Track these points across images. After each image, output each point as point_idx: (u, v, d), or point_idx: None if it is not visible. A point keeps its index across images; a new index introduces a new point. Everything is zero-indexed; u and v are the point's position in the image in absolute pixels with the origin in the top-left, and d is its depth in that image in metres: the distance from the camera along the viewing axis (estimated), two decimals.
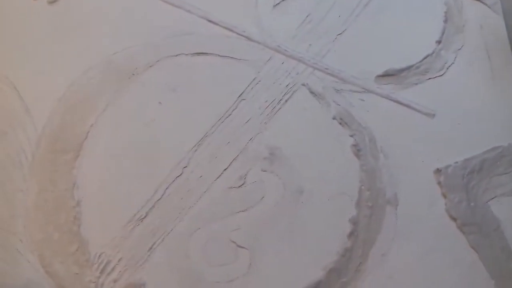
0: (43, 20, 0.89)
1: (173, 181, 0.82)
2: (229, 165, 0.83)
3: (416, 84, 0.90)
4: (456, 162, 0.86)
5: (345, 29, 0.92)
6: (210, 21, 0.90)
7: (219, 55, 0.89)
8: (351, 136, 0.85)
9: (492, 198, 0.84)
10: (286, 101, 0.87)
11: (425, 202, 0.83)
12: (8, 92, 0.86)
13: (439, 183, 0.84)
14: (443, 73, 0.92)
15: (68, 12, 0.90)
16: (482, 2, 0.97)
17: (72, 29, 0.89)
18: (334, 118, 0.86)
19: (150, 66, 0.88)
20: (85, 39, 0.88)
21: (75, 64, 0.87)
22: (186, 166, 0.82)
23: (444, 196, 0.84)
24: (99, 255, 0.78)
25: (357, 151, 0.84)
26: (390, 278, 0.79)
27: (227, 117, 0.85)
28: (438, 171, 0.85)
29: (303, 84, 0.88)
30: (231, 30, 0.91)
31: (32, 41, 0.88)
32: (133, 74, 0.87)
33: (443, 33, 0.93)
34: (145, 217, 0.80)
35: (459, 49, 0.93)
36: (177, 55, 0.88)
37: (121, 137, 0.83)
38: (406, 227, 0.82)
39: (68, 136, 0.83)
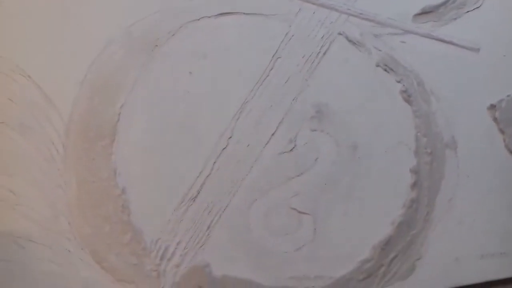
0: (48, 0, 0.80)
1: (220, 153, 0.77)
2: (276, 129, 0.78)
3: (455, 19, 0.85)
4: (509, 95, 0.82)
5: None
6: None
7: (244, 13, 0.82)
8: (398, 82, 0.81)
9: None
10: (324, 53, 0.81)
11: (483, 141, 0.80)
12: (23, 83, 0.78)
13: (494, 119, 0.81)
14: (480, 5, 0.87)
15: None
16: None
17: (81, 4, 0.80)
18: (377, 65, 0.81)
19: (173, 35, 0.80)
20: (97, 13, 0.80)
21: (91, 42, 0.79)
22: (231, 137, 0.77)
23: (502, 131, 0.81)
24: (156, 242, 0.74)
25: (407, 96, 0.80)
26: (460, 223, 0.77)
27: (264, 79, 0.79)
28: (492, 107, 0.81)
29: (339, 33, 0.82)
30: None
31: (40, 24, 0.79)
32: (156, 46, 0.79)
33: None
34: (197, 196, 0.75)
35: None
36: (199, 19, 0.81)
37: (156, 114, 0.77)
38: (469, 169, 0.79)
39: (100, 121, 0.76)
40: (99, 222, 0.74)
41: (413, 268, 0.76)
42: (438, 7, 0.85)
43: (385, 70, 0.81)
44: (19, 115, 0.76)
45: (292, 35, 0.81)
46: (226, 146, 0.77)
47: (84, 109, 0.77)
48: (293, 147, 0.77)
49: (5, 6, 0.79)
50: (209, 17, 0.82)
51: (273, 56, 0.80)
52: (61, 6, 0.79)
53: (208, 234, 0.74)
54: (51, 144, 0.76)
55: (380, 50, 0.82)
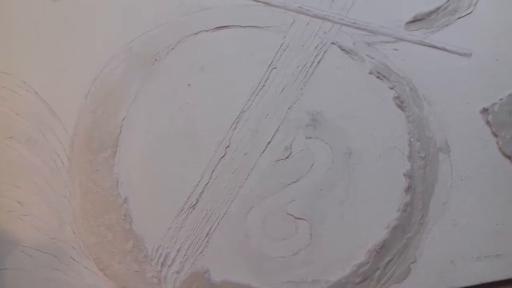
0: (52, 17, 0.84)
1: (218, 162, 0.79)
2: (272, 137, 0.80)
3: (447, 25, 0.87)
4: (501, 99, 0.83)
5: None
6: None
7: (240, 26, 0.85)
8: (391, 88, 0.82)
9: None
10: (318, 62, 0.83)
11: (477, 144, 0.81)
12: (29, 97, 0.81)
13: (487, 122, 0.82)
14: (472, 11, 0.88)
15: (76, 6, 0.85)
16: None
17: (84, 22, 0.84)
18: (370, 73, 0.83)
19: (172, 49, 0.83)
20: (99, 30, 0.83)
21: (94, 57, 0.82)
22: (228, 146, 0.79)
23: (495, 135, 0.81)
24: (157, 249, 0.76)
25: (400, 102, 0.81)
26: (455, 226, 0.78)
27: (260, 89, 0.82)
28: (484, 110, 0.82)
29: (332, 43, 0.84)
30: None
31: (44, 41, 0.83)
32: (156, 60, 0.82)
33: None
34: (196, 203, 0.78)
35: None
36: (197, 33, 0.84)
37: (157, 126, 0.80)
38: (462, 172, 0.80)
39: (102, 133, 0.80)
40: (103, 230, 0.77)
41: (408, 271, 0.77)
42: (429, 14, 0.87)
43: (378, 77, 0.82)
44: (26, 130, 0.80)
45: (287, 46, 0.84)
46: (224, 155, 0.79)
47: (88, 122, 0.80)
48: (289, 155, 0.79)
49: (12, 25, 0.83)
50: (206, 31, 0.84)
51: (268, 67, 0.83)
52: (65, 25, 0.83)
53: (207, 241, 0.77)
54: (56, 157, 0.79)
55: (373, 58, 0.83)
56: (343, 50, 0.84)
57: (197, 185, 0.78)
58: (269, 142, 0.80)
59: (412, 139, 0.80)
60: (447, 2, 0.88)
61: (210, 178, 0.78)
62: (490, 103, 0.82)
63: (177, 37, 0.84)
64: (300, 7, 0.85)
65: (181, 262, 0.76)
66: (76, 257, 0.76)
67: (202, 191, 0.78)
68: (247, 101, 0.81)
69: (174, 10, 0.85)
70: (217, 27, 0.84)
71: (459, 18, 0.87)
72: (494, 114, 0.82)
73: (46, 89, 0.81)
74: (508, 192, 0.79)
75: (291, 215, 0.77)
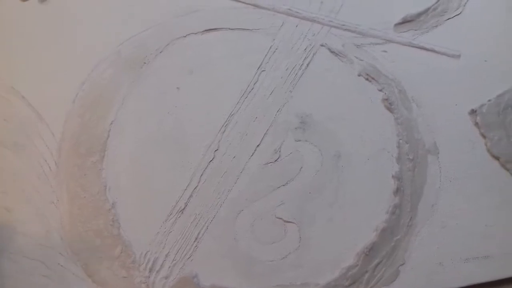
0: (39, 21, 0.83)
1: (207, 166, 0.79)
2: (261, 140, 0.80)
3: (436, 26, 0.87)
4: (489, 100, 0.83)
5: None
6: None
7: (229, 29, 0.84)
8: (380, 90, 0.82)
9: None
10: (307, 65, 0.83)
11: (465, 146, 0.81)
12: (16, 102, 0.81)
13: (476, 124, 0.82)
14: (461, 12, 0.88)
15: (64, 9, 0.84)
16: None
17: (72, 26, 0.83)
18: (359, 75, 0.83)
19: (161, 52, 0.83)
20: (87, 33, 0.83)
21: (82, 61, 0.82)
22: (217, 149, 0.79)
23: (483, 136, 0.81)
24: (145, 254, 0.76)
25: (389, 104, 0.81)
26: (444, 228, 0.78)
27: (249, 91, 0.82)
28: (473, 111, 0.82)
29: (322, 45, 0.84)
30: (238, 1, 0.86)
31: (31, 45, 0.82)
32: (145, 63, 0.82)
33: None
34: (184, 208, 0.77)
35: None
36: (186, 36, 0.84)
37: (145, 130, 0.80)
38: (451, 174, 0.80)
39: (90, 138, 0.79)
40: (91, 236, 0.76)
41: (397, 274, 0.76)
42: (418, 15, 0.87)
43: (367, 79, 0.82)
44: (13, 135, 0.79)
45: (276, 48, 0.83)
46: (213, 158, 0.79)
47: (76, 126, 0.79)
48: (278, 158, 0.79)
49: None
50: (195, 33, 0.84)
51: (257, 69, 0.82)
52: (52, 29, 0.82)
53: (196, 246, 0.76)
54: (44, 162, 0.78)
55: (362, 60, 0.83)
56: (332, 52, 0.83)
57: (186, 189, 0.77)
58: (258, 145, 0.79)
59: (401, 141, 0.80)
60: (436, 3, 0.88)
61: (198, 182, 0.78)
62: (479, 104, 0.82)
63: (165, 40, 0.83)
64: (289, 9, 0.85)
65: (169, 267, 0.76)
66: (64, 264, 0.76)
67: (191, 195, 0.77)
68: (236, 104, 0.81)
69: (163, 13, 0.84)
70: (206, 30, 0.84)
71: (448, 19, 0.87)
72: (482, 116, 0.82)
73: (33, 94, 0.81)
74: (497, 194, 0.79)
75: (280, 218, 0.77)
